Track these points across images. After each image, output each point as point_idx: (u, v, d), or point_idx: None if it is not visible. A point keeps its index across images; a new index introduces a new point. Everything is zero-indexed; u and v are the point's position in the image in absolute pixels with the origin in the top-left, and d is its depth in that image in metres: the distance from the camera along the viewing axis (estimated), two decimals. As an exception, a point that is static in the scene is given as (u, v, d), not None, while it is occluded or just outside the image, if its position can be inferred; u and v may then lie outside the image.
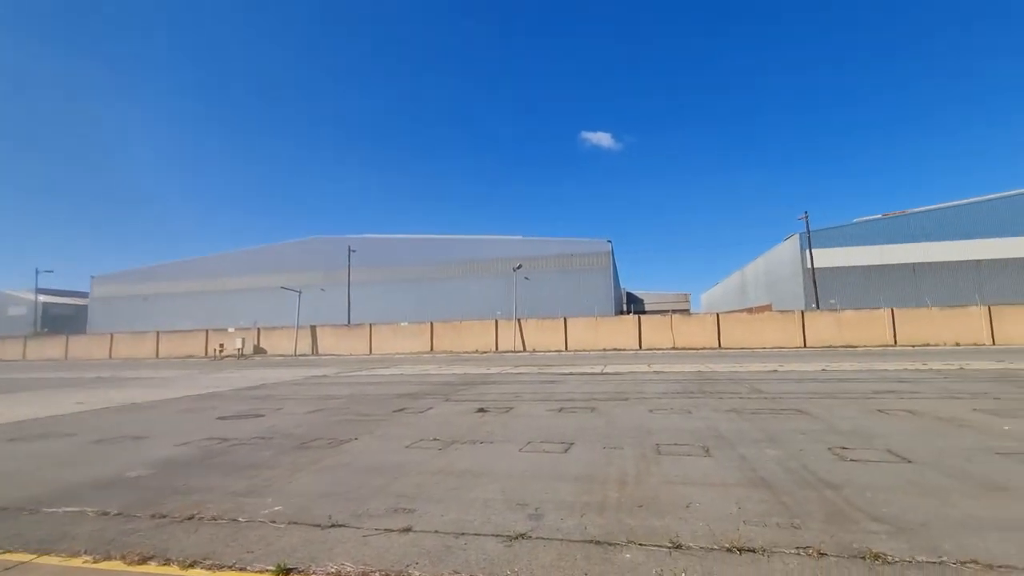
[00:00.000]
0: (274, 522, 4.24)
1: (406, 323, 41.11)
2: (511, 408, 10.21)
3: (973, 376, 13.79)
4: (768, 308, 47.08)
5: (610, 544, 3.63)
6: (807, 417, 8.40)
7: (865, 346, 31.19)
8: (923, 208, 42.28)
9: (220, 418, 10.00)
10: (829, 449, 6.19)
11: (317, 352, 41.87)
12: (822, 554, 3.39)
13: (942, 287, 38.67)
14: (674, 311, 47.64)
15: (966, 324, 30.88)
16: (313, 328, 42.71)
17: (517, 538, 3.77)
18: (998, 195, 41.08)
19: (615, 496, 4.67)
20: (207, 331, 45.56)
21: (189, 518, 4.38)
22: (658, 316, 37.07)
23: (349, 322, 45.87)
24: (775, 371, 16.66)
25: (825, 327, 32.84)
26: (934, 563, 3.22)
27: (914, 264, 40.32)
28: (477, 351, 37.57)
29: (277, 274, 55.64)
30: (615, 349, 35.00)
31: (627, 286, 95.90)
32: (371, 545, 3.73)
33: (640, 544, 3.61)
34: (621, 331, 36.15)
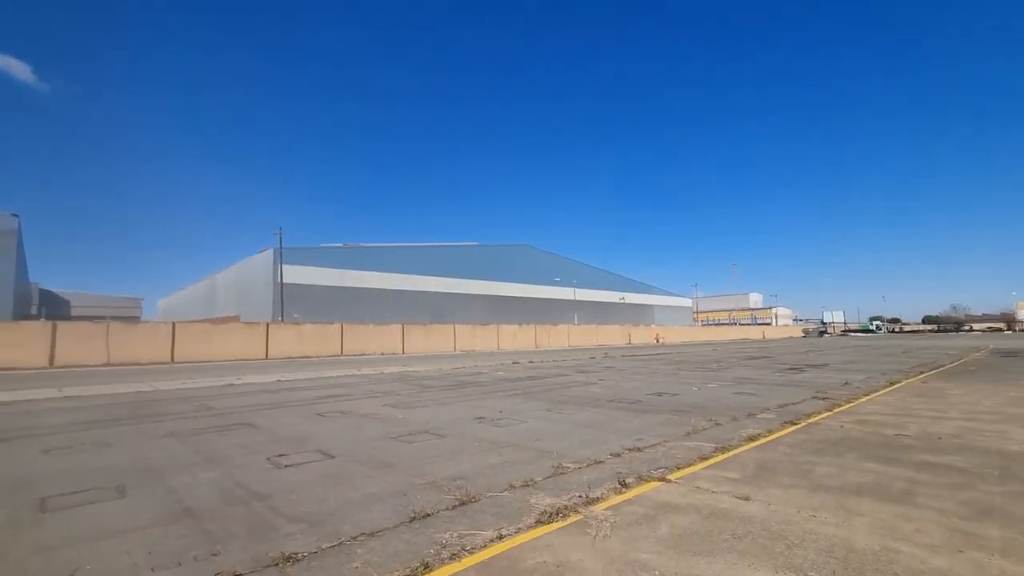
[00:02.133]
0: None
1: None
2: None
3: (387, 379, 17.96)
4: (236, 319, 45.99)
5: None
6: (253, 429, 8.40)
7: (320, 356, 35.41)
8: (370, 244, 55.58)
9: None
10: (268, 459, 6.32)
11: None
12: (237, 575, 3.24)
13: (378, 307, 49.40)
14: (117, 318, 38.83)
15: (389, 338, 40.52)
16: None
17: None
18: (412, 244, 58.97)
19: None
20: None
21: None
22: (88, 323, 29.00)
23: None
24: (231, 384, 16.13)
25: (288, 339, 35.12)
26: (335, 546, 3.67)
27: (361, 288, 50.02)
28: None
29: None
30: (3, 369, 24.59)
31: (48, 283, 71.58)
32: None
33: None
34: (16, 343, 25.86)
